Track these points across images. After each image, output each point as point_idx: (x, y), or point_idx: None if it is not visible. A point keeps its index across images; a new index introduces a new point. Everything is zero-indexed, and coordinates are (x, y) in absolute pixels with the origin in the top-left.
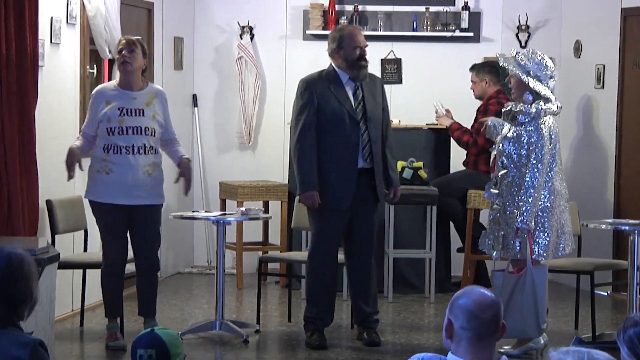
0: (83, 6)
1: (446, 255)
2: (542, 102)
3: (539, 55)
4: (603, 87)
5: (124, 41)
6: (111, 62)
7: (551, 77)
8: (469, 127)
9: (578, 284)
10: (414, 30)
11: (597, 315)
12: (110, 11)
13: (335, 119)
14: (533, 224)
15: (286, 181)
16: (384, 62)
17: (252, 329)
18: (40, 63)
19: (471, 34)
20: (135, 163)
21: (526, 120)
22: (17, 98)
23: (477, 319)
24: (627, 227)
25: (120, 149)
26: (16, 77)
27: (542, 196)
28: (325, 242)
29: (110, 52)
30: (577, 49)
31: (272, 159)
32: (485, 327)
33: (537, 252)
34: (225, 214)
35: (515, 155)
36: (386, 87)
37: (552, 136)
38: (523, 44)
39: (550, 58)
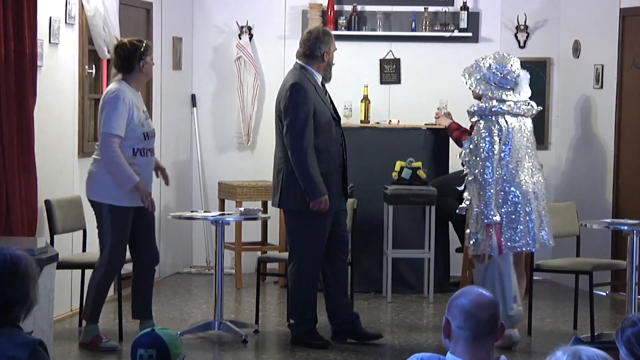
0: (82, 6)
1: (445, 255)
2: (494, 102)
3: (506, 61)
4: (602, 87)
5: (150, 47)
6: (109, 61)
7: (515, 83)
8: (468, 127)
9: (577, 284)
10: (412, 30)
11: (595, 315)
12: (109, 11)
13: (326, 121)
14: (498, 217)
15: None
16: (382, 62)
17: (251, 329)
18: (39, 63)
19: (470, 34)
20: (152, 164)
21: (473, 119)
22: (16, 98)
23: (474, 318)
24: (625, 227)
25: (147, 152)
26: (15, 77)
27: (507, 190)
28: (321, 245)
29: (109, 52)
30: (576, 49)
31: (271, 159)
32: (482, 326)
33: (504, 245)
34: (224, 214)
35: (470, 154)
36: (385, 86)
37: (500, 133)
38: (522, 44)
39: (548, 57)
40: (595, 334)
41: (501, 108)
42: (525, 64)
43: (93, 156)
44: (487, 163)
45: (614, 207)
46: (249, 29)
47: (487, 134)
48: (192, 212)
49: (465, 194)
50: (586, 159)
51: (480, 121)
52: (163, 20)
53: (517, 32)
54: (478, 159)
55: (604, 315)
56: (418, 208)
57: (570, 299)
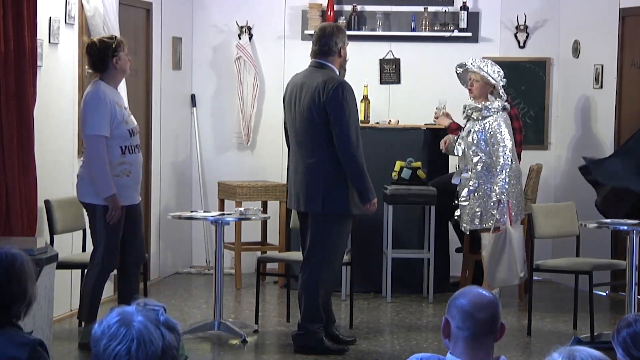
0: (81, 6)
1: (444, 256)
2: (504, 99)
3: (493, 64)
4: (601, 87)
5: (122, 42)
6: None
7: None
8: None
9: (576, 284)
10: (412, 30)
11: (595, 315)
12: (109, 11)
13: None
14: (508, 194)
15: (284, 181)
16: (382, 62)
17: (251, 329)
18: (38, 63)
19: (469, 34)
20: (140, 161)
21: (489, 114)
22: (16, 98)
23: (472, 318)
24: (625, 227)
25: (134, 148)
26: (14, 77)
27: (511, 172)
28: (344, 249)
29: None
30: (576, 49)
31: (271, 159)
32: (481, 327)
33: (514, 217)
34: (223, 214)
35: (483, 143)
36: (385, 87)
37: (507, 126)
38: (521, 44)
39: (548, 57)
40: (595, 334)
41: (506, 106)
42: (525, 64)
43: (81, 159)
44: (504, 151)
45: None
46: (249, 28)
47: (505, 124)
48: (191, 212)
49: (466, 174)
50: None
51: (496, 115)
52: (163, 20)
53: (516, 32)
54: (498, 145)
55: (604, 315)
56: (418, 208)
57: (570, 299)
